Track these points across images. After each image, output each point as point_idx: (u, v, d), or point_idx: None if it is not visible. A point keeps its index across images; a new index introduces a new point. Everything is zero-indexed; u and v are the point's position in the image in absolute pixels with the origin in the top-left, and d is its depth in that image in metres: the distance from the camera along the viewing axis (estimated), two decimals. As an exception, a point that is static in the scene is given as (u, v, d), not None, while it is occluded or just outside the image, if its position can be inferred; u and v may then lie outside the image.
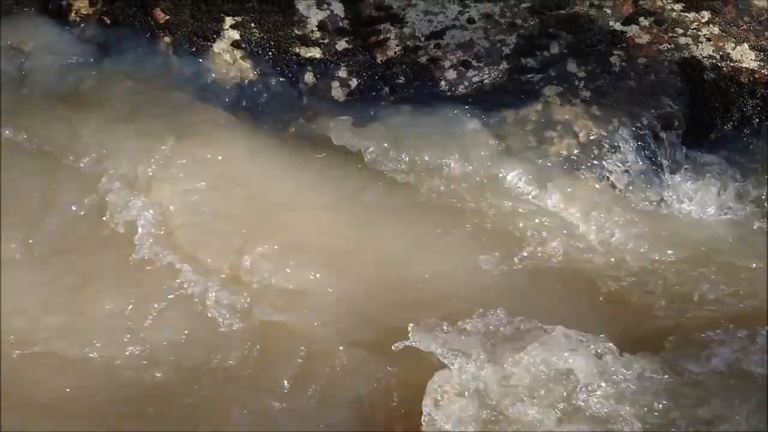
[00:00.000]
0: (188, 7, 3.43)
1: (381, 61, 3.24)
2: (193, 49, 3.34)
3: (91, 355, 2.58)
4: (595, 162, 2.95)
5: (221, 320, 2.65)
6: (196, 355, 2.57)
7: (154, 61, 3.35)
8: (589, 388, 2.28)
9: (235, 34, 3.34)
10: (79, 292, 2.71)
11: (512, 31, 3.24)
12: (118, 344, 2.59)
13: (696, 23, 3.20)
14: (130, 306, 2.68)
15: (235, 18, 3.37)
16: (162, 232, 2.88)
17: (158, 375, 2.54)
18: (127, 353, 2.57)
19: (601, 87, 3.08)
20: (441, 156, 3.00)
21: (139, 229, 2.83)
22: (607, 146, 2.97)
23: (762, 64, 3.07)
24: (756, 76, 3.05)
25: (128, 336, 2.60)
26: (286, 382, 2.51)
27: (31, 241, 2.82)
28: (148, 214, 2.91)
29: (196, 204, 2.96)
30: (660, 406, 2.30)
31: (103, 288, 2.72)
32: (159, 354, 2.58)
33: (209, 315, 2.66)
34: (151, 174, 3.02)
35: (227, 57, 3.30)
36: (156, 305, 2.70)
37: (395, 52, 3.24)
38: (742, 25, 3.19)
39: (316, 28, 3.34)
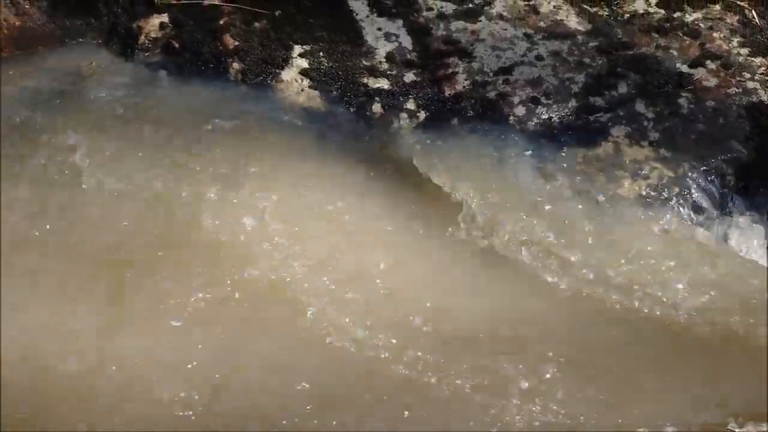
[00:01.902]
0: (257, 35, 3.46)
1: (449, 94, 3.27)
2: (262, 77, 3.37)
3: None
4: (664, 204, 2.97)
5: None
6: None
7: (223, 87, 3.38)
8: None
9: (304, 63, 3.38)
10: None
11: (581, 69, 3.27)
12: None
13: (763, 68, 3.24)
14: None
15: (304, 47, 3.41)
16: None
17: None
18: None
19: (669, 129, 3.11)
20: (506, 190, 3.01)
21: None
22: (676, 189, 3.00)
23: (829, 111, 3.10)
24: (822, 123, 3.08)
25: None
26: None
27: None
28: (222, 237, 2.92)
29: (257, 224, 2.97)
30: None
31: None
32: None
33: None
34: (222, 199, 3.03)
35: (295, 85, 3.34)
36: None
37: (464, 86, 3.27)
38: (808, 72, 3.23)
39: (384, 60, 3.37)
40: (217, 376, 2.54)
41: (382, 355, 2.58)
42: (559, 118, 3.16)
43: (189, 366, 2.56)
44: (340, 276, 2.79)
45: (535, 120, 3.17)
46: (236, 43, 3.43)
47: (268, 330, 2.67)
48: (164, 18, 3.50)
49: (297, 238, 2.90)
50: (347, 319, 2.68)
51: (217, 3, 3.51)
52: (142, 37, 3.47)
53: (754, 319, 2.71)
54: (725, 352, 2.66)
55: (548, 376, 2.53)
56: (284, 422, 2.45)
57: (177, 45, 3.46)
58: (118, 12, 3.53)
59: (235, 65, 3.39)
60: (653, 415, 2.45)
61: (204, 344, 2.61)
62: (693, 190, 2.97)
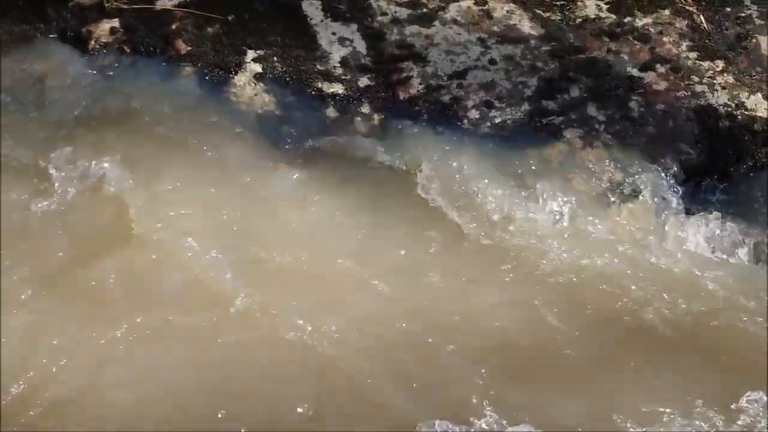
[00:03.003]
0: (210, 39, 3.43)
1: (404, 98, 3.27)
2: (215, 81, 3.33)
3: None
4: (617, 205, 3.00)
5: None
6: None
7: (174, 94, 3.33)
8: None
9: (258, 68, 3.35)
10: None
11: (533, 73, 3.30)
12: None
13: (711, 71, 3.29)
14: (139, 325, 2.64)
15: (258, 51, 3.39)
16: (188, 256, 2.84)
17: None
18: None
19: (620, 131, 3.15)
20: (463, 191, 3.02)
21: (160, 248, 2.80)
22: (627, 190, 3.03)
23: (775, 113, 3.16)
24: (769, 125, 3.14)
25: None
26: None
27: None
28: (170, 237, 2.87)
29: (217, 229, 2.94)
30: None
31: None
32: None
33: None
34: (173, 205, 2.99)
35: (249, 90, 3.31)
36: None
37: (418, 90, 3.27)
38: (754, 75, 3.29)
39: (339, 64, 3.37)
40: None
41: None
42: (513, 121, 3.18)
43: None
44: (306, 288, 2.76)
45: (489, 123, 3.18)
46: (189, 48, 3.40)
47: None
48: (115, 23, 3.45)
49: (253, 244, 2.86)
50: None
51: (169, 8, 3.47)
52: (93, 42, 3.42)
53: (707, 314, 2.74)
54: (676, 345, 2.68)
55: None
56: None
57: (128, 50, 3.42)
58: (68, 17, 3.47)
59: (188, 70, 3.35)
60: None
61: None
62: (643, 191, 3.00)
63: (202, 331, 2.62)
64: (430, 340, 2.64)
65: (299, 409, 2.48)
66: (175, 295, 2.68)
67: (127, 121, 3.15)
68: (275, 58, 3.38)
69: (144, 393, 2.49)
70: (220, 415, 2.45)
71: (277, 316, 2.70)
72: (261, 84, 3.32)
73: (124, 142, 3.06)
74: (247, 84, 3.33)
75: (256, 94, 3.31)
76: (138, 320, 2.62)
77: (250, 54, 3.38)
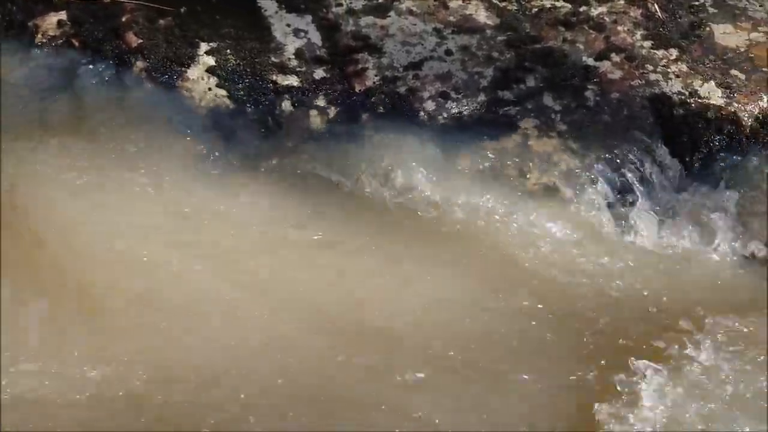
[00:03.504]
0: (162, 32, 3.37)
1: (360, 90, 3.24)
2: (167, 75, 3.27)
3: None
4: (572, 194, 3.00)
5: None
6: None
7: (125, 88, 3.27)
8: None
9: (211, 60, 3.30)
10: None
11: (489, 63, 3.28)
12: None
13: (665, 60, 3.31)
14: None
15: (211, 44, 3.33)
16: (130, 265, 2.79)
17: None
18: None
19: (576, 121, 3.15)
20: (420, 186, 3.00)
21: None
22: (583, 179, 3.03)
23: (728, 101, 3.19)
24: (722, 112, 3.16)
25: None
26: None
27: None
28: (118, 244, 2.82)
29: (168, 236, 2.89)
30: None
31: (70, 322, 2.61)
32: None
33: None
34: (118, 204, 2.93)
35: (202, 83, 3.25)
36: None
37: (374, 82, 3.25)
38: (708, 63, 3.31)
39: (293, 56, 3.32)
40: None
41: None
42: (469, 112, 3.17)
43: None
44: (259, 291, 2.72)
45: (445, 114, 3.16)
46: (140, 41, 3.33)
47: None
48: (62, 15, 3.37)
49: (202, 241, 2.81)
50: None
51: (119, 0, 3.40)
52: (40, 36, 3.33)
53: (659, 306, 2.76)
54: (633, 338, 2.69)
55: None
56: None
57: (77, 44, 3.33)
58: (12, 9, 3.37)
59: (139, 64, 3.29)
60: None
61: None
62: (599, 180, 3.01)
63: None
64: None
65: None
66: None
67: (74, 117, 3.07)
68: (229, 51, 3.32)
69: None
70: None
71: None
72: (214, 77, 3.27)
73: (70, 139, 2.99)
74: (200, 78, 3.27)
75: (209, 88, 3.25)
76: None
77: (203, 47, 3.33)
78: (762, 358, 2.48)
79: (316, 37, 3.36)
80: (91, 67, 3.27)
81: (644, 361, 2.50)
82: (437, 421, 2.39)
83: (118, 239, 2.78)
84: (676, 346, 2.54)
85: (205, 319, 2.63)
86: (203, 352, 2.57)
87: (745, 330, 2.57)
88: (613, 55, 3.32)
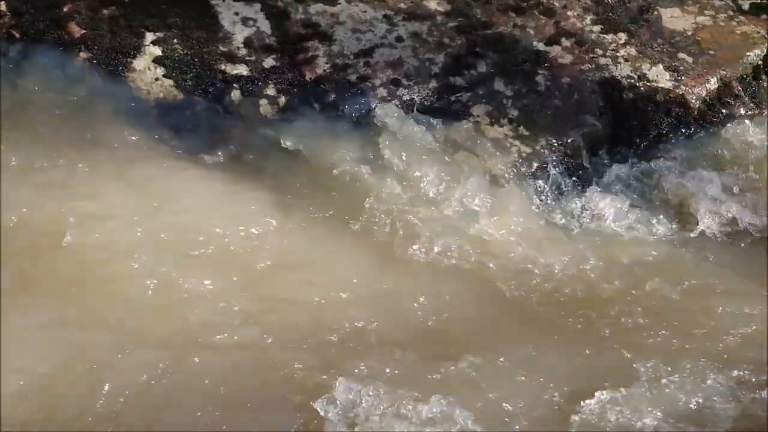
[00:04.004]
0: (106, 22, 3.29)
1: (310, 78, 3.20)
2: (112, 66, 3.20)
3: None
4: (523, 179, 3.01)
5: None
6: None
7: (69, 79, 3.19)
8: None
9: (157, 50, 3.23)
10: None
11: (440, 50, 3.27)
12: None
13: (614, 44, 3.33)
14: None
15: (157, 34, 3.26)
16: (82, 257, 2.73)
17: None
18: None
19: (528, 106, 3.15)
20: (372, 172, 2.98)
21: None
22: (535, 164, 3.04)
23: (676, 84, 3.22)
24: (670, 95, 3.20)
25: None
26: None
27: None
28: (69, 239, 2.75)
29: (116, 229, 2.83)
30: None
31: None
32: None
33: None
34: (61, 195, 2.86)
35: (149, 74, 3.19)
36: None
37: (324, 70, 3.21)
38: (656, 47, 3.34)
39: (242, 45, 3.27)
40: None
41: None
42: (420, 98, 3.15)
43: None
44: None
45: (397, 101, 3.14)
46: (83, 31, 3.25)
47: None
48: (1, 6, 3.26)
49: (151, 234, 2.76)
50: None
51: (60, -11, 3.31)
52: (-23, 27, 3.22)
53: (613, 290, 2.78)
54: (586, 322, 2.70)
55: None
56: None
57: (17, 35, 3.24)
58: (-53, 0, 3.27)
59: (83, 55, 3.21)
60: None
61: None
62: (551, 165, 3.02)
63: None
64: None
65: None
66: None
67: (14, 111, 2.98)
68: (176, 41, 3.26)
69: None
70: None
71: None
72: (161, 68, 3.21)
73: (11, 135, 2.90)
74: (147, 68, 3.20)
75: (156, 79, 3.19)
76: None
77: (149, 36, 3.26)
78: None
79: (265, 26, 3.32)
80: (32, 59, 3.18)
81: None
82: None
83: (63, 227, 2.71)
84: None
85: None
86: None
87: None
88: (563, 39, 3.33)
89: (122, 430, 2.31)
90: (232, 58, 3.22)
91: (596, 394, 2.36)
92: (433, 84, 3.18)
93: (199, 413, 2.31)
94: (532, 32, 3.35)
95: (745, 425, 2.21)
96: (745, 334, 2.53)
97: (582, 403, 2.34)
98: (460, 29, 3.33)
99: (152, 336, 2.50)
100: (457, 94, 3.16)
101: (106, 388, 2.35)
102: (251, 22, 3.32)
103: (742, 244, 2.92)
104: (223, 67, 3.20)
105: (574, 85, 3.21)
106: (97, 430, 2.29)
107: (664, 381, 2.38)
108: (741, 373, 2.40)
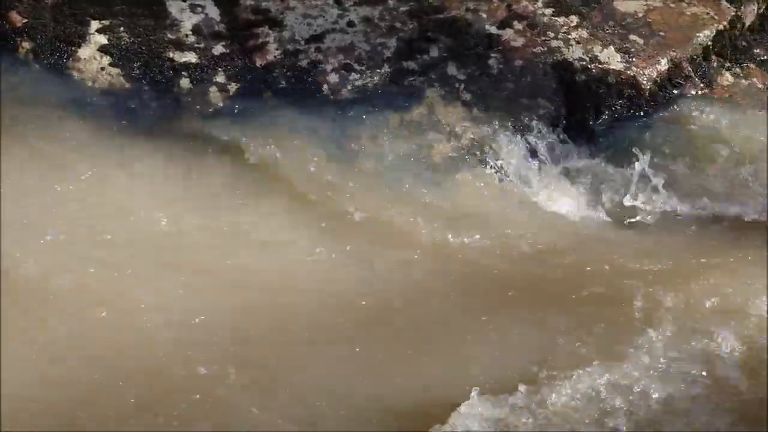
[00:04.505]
0: (49, 10, 3.20)
1: (261, 65, 3.15)
2: (56, 56, 3.12)
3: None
4: (477, 162, 3.00)
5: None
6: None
7: (12, 69, 3.10)
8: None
9: (103, 39, 3.16)
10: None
11: (392, 34, 3.24)
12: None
13: (566, 27, 3.33)
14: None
15: (102, 22, 3.19)
16: (30, 248, 2.66)
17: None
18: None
19: (481, 89, 3.14)
20: (324, 160, 2.94)
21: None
22: (488, 146, 3.03)
23: (627, 65, 3.23)
24: (622, 77, 3.21)
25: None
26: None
27: None
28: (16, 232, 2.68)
29: (66, 219, 2.76)
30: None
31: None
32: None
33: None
34: (13, 189, 2.78)
35: (95, 63, 3.11)
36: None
37: (275, 56, 3.17)
38: (607, 29, 3.34)
39: (191, 32, 3.21)
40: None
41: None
42: (373, 84, 3.12)
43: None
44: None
45: (349, 87, 3.11)
46: (25, 20, 3.16)
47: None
48: (-62, -5, 3.16)
49: (98, 230, 2.70)
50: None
51: (0, -23, 3.21)
52: None
53: (566, 271, 2.78)
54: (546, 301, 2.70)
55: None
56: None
57: (-44, 25, 3.14)
58: None
59: (25, 44, 3.12)
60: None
61: None
62: (504, 147, 3.01)
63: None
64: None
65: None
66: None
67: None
68: (122, 29, 3.19)
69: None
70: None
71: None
72: (107, 57, 3.13)
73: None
74: (92, 57, 3.13)
75: (102, 68, 3.11)
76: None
77: (94, 25, 3.18)
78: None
79: (213, 12, 3.26)
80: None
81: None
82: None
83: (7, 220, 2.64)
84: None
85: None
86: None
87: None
88: (515, 22, 3.32)
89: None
90: (181, 45, 3.16)
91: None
92: (386, 69, 3.16)
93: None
94: (484, 16, 3.33)
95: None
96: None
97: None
98: (412, 13, 3.30)
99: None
100: (410, 79, 3.14)
101: None
102: (199, 9, 3.26)
103: (693, 226, 2.93)
104: (171, 55, 3.13)
105: (527, 67, 3.20)
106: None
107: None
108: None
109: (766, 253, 2.68)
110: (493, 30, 3.29)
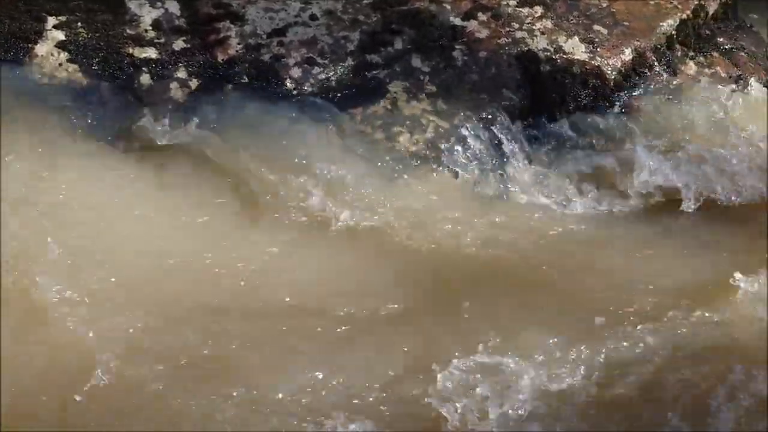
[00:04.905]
0: (4, 6, 3.14)
1: (222, 60, 3.11)
2: (12, 53, 3.06)
3: None
4: (442, 155, 2.98)
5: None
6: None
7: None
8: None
9: (60, 35, 3.10)
10: None
11: (355, 27, 3.21)
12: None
13: (530, 18, 3.32)
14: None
15: (59, 18, 3.13)
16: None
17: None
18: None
19: (445, 81, 3.12)
20: (288, 156, 2.91)
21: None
22: (453, 139, 3.01)
23: (591, 55, 3.23)
24: (587, 67, 3.20)
25: None
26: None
27: None
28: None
29: (26, 218, 2.71)
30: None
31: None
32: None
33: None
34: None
35: (52, 60, 3.06)
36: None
37: (237, 51, 3.13)
38: (572, 19, 3.34)
39: (151, 28, 3.16)
40: None
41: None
42: (337, 77, 3.09)
43: None
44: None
45: (312, 81, 3.08)
46: (-21, 17, 3.08)
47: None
48: None
49: (56, 226, 2.65)
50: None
51: (-48, -27, 3.14)
52: None
53: (537, 262, 2.77)
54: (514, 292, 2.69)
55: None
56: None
57: None
58: None
59: (-20, 42, 3.05)
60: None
61: None
62: (470, 140, 2.99)
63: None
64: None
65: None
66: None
67: None
68: (79, 24, 3.13)
69: None
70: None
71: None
72: (65, 53, 3.07)
73: None
74: (50, 54, 3.07)
75: (60, 64, 3.06)
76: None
77: (51, 21, 3.13)
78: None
79: (174, 7, 3.21)
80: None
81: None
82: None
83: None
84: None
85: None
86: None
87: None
88: (479, 14, 3.30)
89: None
90: (140, 40, 3.11)
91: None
92: (349, 62, 3.13)
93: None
94: (448, 7, 3.31)
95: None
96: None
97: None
98: (375, 6, 3.28)
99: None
100: (374, 72, 3.12)
101: None
102: (159, 3, 3.21)
103: (662, 215, 2.94)
104: (130, 50, 3.08)
105: (492, 59, 3.19)
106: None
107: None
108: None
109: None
110: (458, 21, 3.28)
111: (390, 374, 2.38)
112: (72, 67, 3.06)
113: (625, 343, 2.41)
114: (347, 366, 2.40)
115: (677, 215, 2.91)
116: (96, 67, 3.06)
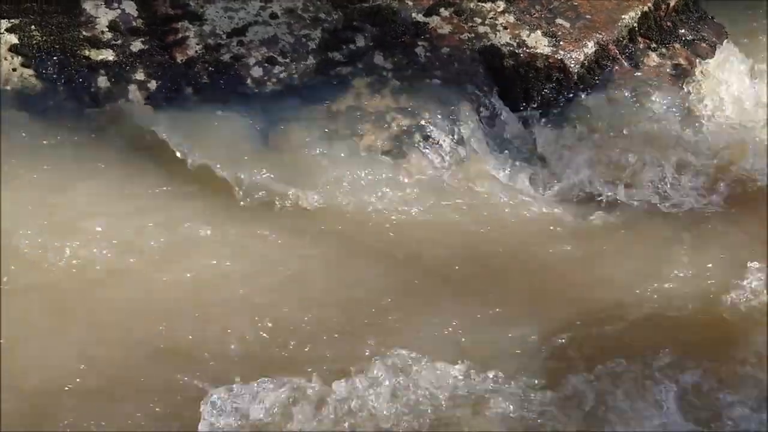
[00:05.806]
0: (-47, 10, 3.05)
1: (181, 60, 3.06)
2: (-37, 57, 2.97)
3: None
4: (407, 151, 2.95)
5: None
6: None
7: None
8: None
9: (13, 38, 3.03)
10: None
11: (317, 25, 3.18)
12: None
13: (493, 12, 3.30)
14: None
15: (12, 20, 3.06)
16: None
17: None
18: None
19: (408, 78, 3.10)
20: (251, 155, 2.87)
21: None
22: (417, 135, 2.99)
23: (554, 49, 3.22)
24: (550, 60, 3.20)
25: None
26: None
27: None
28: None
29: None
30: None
31: None
32: None
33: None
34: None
35: (6, 64, 2.98)
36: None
37: (196, 51, 3.08)
38: (534, 14, 3.33)
39: (107, 29, 3.10)
40: None
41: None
42: (299, 75, 3.05)
43: None
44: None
45: (274, 80, 3.04)
46: (-72, 21, 3.00)
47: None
48: None
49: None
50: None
51: None
52: None
53: (508, 255, 2.75)
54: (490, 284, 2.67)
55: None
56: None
57: None
58: None
59: (-71, 47, 2.97)
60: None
61: None
62: (433, 135, 2.97)
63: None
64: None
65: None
66: None
67: None
68: (33, 27, 3.06)
69: None
70: None
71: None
72: (18, 57, 3.00)
73: None
74: (3, 58, 2.99)
75: (13, 69, 2.98)
76: None
77: (3, 24, 3.05)
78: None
79: (130, 7, 3.15)
80: None
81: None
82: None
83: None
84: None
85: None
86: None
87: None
88: (441, 10, 3.28)
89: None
90: (97, 42, 3.05)
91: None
92: (311, 60, 3.09)
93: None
94: (410, 3, 3.29)
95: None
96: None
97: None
98: (336, 3, 3.25)
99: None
100: (336, 69, 3.08)
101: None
102: (116, 4, 3.15)
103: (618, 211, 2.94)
104: (87, 53, 3.02)
105: (455, 54, 3.17)
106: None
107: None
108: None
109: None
110: (420, 18, 3.25)
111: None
112: (26, 71, 2.99)
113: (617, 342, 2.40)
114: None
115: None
116: (51, 71, 2.99)
